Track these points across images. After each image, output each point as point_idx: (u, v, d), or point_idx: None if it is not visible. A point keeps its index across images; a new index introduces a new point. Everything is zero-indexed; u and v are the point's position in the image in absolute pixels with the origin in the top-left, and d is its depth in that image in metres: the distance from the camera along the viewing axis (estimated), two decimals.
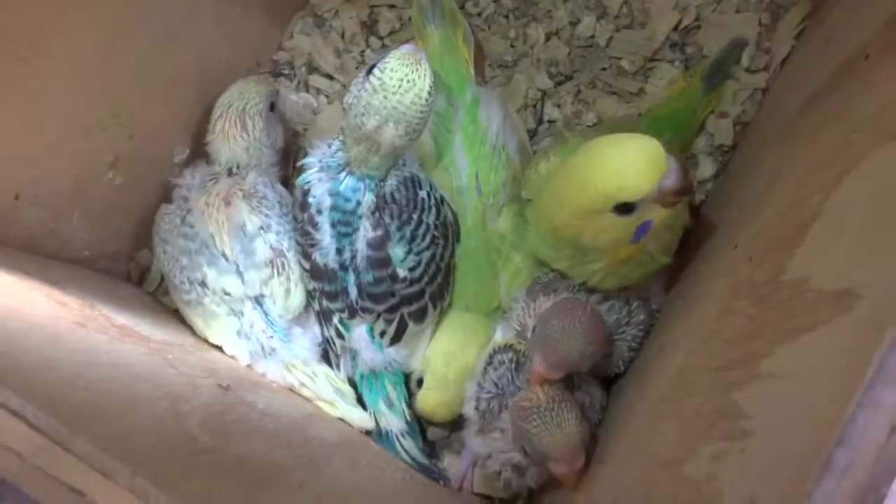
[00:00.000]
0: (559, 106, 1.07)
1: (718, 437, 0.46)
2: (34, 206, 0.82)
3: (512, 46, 1.09)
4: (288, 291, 0.92)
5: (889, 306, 0.34)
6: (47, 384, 0.48)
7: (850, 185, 0.49)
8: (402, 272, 0.87)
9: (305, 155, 1.08)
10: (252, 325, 0.90)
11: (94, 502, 0.43)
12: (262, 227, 0.91)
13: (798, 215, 0.56)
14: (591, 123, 1.06)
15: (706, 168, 1.03)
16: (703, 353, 0.60)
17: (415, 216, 0.87)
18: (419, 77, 0.77)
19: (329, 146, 0.88)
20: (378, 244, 0.86)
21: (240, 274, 0.90)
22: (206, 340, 0.92)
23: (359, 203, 0.85)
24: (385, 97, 0.77)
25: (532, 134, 1.06)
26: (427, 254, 0.88)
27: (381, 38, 1.11)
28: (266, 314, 0.91)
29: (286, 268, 0.91)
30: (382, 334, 0.91)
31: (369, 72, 0.79)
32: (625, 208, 0.70)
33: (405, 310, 0.90)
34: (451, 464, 0.98)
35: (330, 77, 1.11)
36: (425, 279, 0.89)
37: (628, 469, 0.63)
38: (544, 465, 0.77)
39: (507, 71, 1.09)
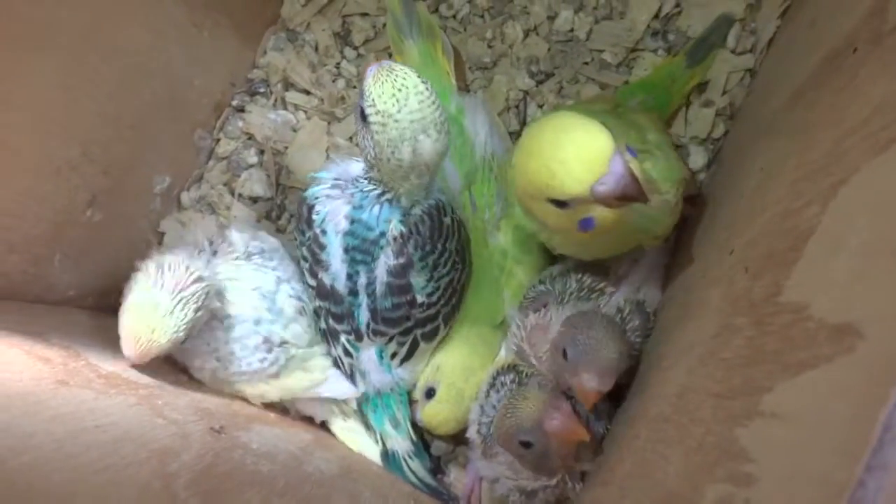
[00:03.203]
0: (542, 106, 1.04)
1: (723, 477, 0.44)
2: (11, 254, 0.80)
3: (490, 47, 1.06)
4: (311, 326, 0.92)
5: (892, 353, 0.32)
6: (21, 470, 0.46)
7: (845, 199, 0.47)
8: (420, 298, 0.86)
9: (289, 173, 1.07)
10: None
11: None
12: (279, 279, 0.89)
13: (793, 226, 0.53)
14: None
15: (697, 158, 1.01)
16: (702, 373, 0.58)
17: (439, 245, 0.84)
18: (404, 79, 0.70)
19: (356, 182, 0.82)
20: (400, 272, 0.83)
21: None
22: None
23: (382, 234, 0.82)
24: (397, 121, 0.70)
25: (515, 137, 1.03)
26: (446, 279, 0.87)
27: (355, 48, 1.08)
28: None
29: (305, 310, 0.91)
30: (393, 356, 0.90)
31: (364, 118, 0.72)
32: (558, 202, 0.66)
33: (419, 331, 0.89)
34: (457, 478, 0.97)
35: (307, 92, 1.08)
36: (441, 302, 0.88)
37: (634, 495, 0.61)
38: (551, 460, 0.75)
39: (487, 73, 1.06)
